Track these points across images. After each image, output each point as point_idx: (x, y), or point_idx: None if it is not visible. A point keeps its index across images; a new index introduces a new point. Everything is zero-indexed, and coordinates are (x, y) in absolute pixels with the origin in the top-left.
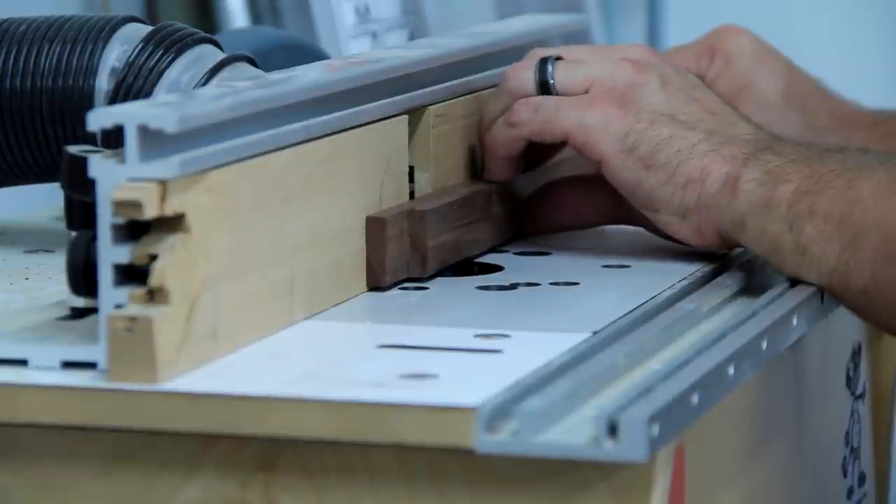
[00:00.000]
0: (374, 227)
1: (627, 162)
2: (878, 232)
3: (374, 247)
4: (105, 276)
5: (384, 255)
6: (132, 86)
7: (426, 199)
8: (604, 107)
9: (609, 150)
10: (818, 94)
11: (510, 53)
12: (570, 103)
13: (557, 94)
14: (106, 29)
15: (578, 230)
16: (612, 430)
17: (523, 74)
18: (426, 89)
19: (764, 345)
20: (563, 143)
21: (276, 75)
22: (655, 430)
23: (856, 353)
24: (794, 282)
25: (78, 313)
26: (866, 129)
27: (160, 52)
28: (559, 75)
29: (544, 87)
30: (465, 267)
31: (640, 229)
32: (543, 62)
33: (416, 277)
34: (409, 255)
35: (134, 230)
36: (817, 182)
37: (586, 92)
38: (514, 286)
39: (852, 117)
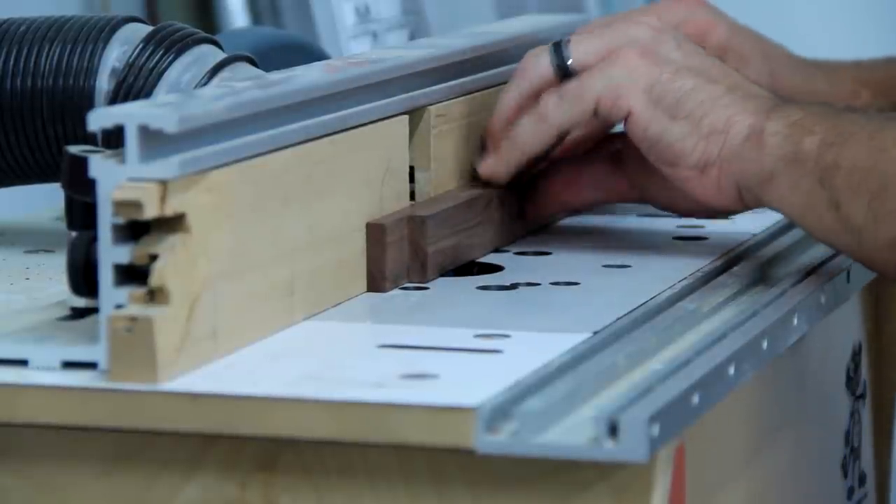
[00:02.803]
0: (374, 233)
1: (655, 114)
2: None
3: (373, 253)
4: (105, 276)
5: (384, 262)
6: (132, 86)
7: (426, 205)
8: (627, 59)
9: (636, 102)
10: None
11: (510, 53)
12: (592, 72)
13: (576, 72)
14: (106, 29)
15: (580, 210)
16: (612, 430)
17: (539, 58)
18: (426, 89)
19: (764, 345)
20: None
21: (276, 75)
22: (655, 430)
23: (856, 354)
24: (795, 281)
25: (78, 313)
26: (851, 70)
27: (160, 53)
28: (575, 52)
29: (561, 67)
30: (465, 267)
31: (640, 229)
32: (557, 44)
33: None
34: (410, 261)
35: (134, 230)
36: (840, 134)
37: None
38: (514, 286)
39: (831, 65)
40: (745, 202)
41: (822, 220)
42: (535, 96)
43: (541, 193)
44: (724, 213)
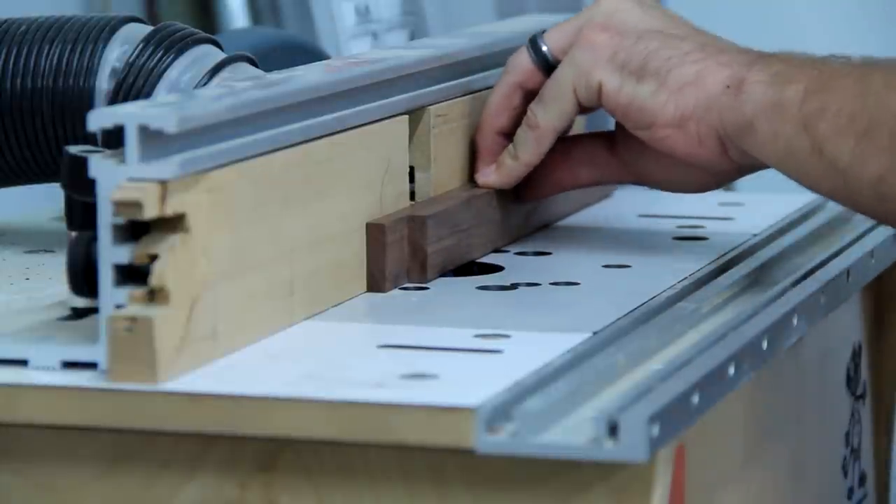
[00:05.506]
0: (374, 233)
1: (622, 79)
2: (893, 119)
3: (373, 253)
4: (105, 276)
5: (384, 262)
6: (132, 86)
7: (426, 205)
8: (589, 37)
9: (602, 73)
10: None
11: (510, 53)
12: (562, 64)
13: (557, 61)
14: (106, 29)
15: (575, 189)
16: (612, 430)
17: (520, 56)
18: (426, 89)
19: (764, 345)
20: None
21: (276, 75)
22: (655, 430)
23: (856, 354)
24: (795, 281)
25: (78, 313)
26: None
27: (160, 53)
28: (551, 41)
29: (541, 58)
30: (465, 267)
31: (640, 229)
32: (533, 38)
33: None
34: (409, 261)
35: (134, 230)
36: (826, 81)
37: None
38: (514, 286)
39: None
40: (729, 155)
41: (804, 166)
42: (519, 91)
43: (536, 174)
44: (715, 181)
